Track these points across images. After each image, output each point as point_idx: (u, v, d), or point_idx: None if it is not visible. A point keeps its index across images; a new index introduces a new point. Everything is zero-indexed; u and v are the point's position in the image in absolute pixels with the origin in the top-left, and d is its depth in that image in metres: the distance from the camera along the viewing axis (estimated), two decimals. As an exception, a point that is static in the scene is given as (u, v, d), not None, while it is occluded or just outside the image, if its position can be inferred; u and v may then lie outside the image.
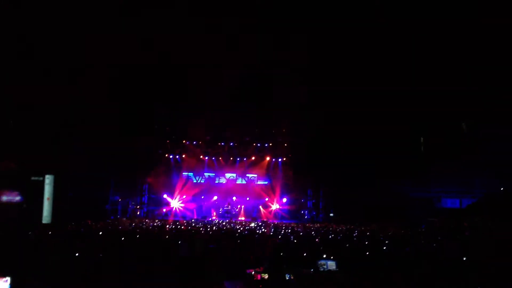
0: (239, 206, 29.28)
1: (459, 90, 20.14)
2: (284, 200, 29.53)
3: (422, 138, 25.21)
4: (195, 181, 30.10)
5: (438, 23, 17.44)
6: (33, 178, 22.15)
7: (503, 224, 17.04)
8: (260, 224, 21.54)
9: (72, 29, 16.84)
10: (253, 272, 6.63)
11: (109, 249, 8.58)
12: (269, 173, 30.59)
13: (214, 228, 16.74)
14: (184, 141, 29.72)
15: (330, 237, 13.68)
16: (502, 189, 23.51)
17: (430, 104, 21.13)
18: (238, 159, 30.35)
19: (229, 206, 28.79)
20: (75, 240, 9.98)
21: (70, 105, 19.40)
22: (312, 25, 18.26)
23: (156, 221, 22.36)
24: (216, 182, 30.39)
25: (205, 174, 30.34)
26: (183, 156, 29.98)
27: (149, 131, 26.18)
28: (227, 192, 29.65)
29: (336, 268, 7.10)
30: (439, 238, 13.96)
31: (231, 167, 30.36)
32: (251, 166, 30.50)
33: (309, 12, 17.59)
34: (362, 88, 20.85)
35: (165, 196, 28.77)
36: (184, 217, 27.13)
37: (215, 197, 29.31)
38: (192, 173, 30.14)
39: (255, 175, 30.64)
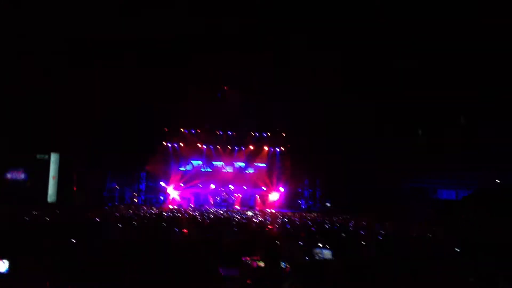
0: (236, 194, 29.38)
1: (457, 83, 20.20)
2: (281, 189, 29.63)
3: (419, 130, 25.28)
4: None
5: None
6: (38, 156, 22.10)
7: (497, 217, 17.17)
8: (257, 213, 21.65)
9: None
10: (249, 260, 6.68)
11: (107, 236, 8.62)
12: (267, 162, 30.65)
13: (211, 216, 16.82)
14: (182, 130, 29.71)
15: (326, 226, 13.78)
16: (498, 181, 23.65)
17: (428, 96, 21.17)
18: (236, 148, 30.39)
19: (226, 195, 28.89)
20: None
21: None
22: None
23: (154, 208, 22.44)
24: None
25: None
26: (181, 144, 29.98)
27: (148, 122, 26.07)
28: (224, 181, 29.71)
29: (332, 257, 7.16)
30: (433, 228, 14.07)
31: (229, 156, 30.41)
32: (249, 156, 30.55)
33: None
34: (359, 80, 20.87)
35: (162, 184, 28.83)
36: (180, 205, 27.22)
37: (213, 186, 29.39)
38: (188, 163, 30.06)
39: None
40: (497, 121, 21.61)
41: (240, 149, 30.40)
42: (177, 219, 13.73)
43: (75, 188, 23.21)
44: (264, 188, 29.82)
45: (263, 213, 20.87)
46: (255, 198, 29.56)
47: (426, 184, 26.44)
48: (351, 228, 13.49)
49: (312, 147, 26.17)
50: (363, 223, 15.67)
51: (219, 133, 29.94)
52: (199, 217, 15.10)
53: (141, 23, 18.25)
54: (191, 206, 26.24)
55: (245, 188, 29.81)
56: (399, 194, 24.11)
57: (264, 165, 30.70)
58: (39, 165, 21.99)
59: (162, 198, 28.34)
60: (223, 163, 30.41)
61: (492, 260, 6.95)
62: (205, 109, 26.64)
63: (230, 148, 30.36)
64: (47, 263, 5.59)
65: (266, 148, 30.28)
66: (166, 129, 29.36)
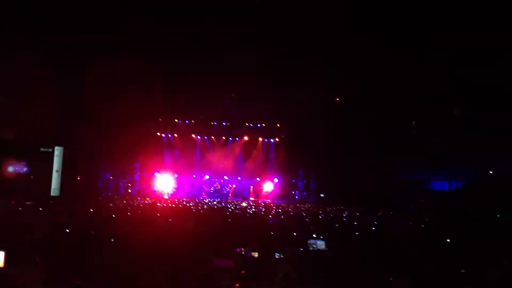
0: (229, 185, 29.38)
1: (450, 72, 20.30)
2: (276, 180, 29.66)
3: (412, 120, 25.36)
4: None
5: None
6: (42, 149, 21.87)
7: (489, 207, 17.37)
8: (251, 203, 21.72)
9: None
10: (243, 251, 6.69)
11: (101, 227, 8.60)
12: (261, 153, 30.61)
13: (205, 207, 16.84)
14: (176, 120, 29.55)
15: (320, 217, 13.85)
16: (490, 172, 23.88)
17: (422, 87, 21.22)
18: (230, 139, 30.29)
19: (219, 186, 28.87)
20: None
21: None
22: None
23: (147, 199, 22.42)
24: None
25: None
26: (175, 135, 29.86)
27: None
28: (218, 172, 29.66)
29: (326, 247, 7.20)
30: (426, 219, 14.21)
31: (223, 147, 30.31)
32: (243, 146, 30.47)
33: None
34: (353, 70, 20.83)
35: (156, 174, 28.74)
36: (175, 195, 27.20)
37: (207, 176, 29.36)
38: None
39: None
40: (490, 112, 21.71)
41: (234, 140, 30.30)
42: (171, 210, 13.74)
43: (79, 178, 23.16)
44: (258, 179, 29.82)
45: (258, 204, 20.94)
46: (249, 189, 29.57)
47: (419, 175, 26.62)
48: (344, 219, 13.58)
49: (306, 138, 26.15)
50: (357, 214, 15.79)
51: (214, 124, 29.77)
52: (193, 208, 15.11)
53: (138, 17, 18.04)
54: (184, 197, 26.21)
55: (239, 178, 29.80)
56: (392, 185, 24.22)
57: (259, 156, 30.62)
58: (42, 158, 21.73)
59: (156, 188, 28.25)
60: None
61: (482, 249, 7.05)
62: (200, 100, 26.41)
63: (224, 138, 30.23)
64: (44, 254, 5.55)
65: (260, 139, 30.21)
66: (160, 120, 29.17)
